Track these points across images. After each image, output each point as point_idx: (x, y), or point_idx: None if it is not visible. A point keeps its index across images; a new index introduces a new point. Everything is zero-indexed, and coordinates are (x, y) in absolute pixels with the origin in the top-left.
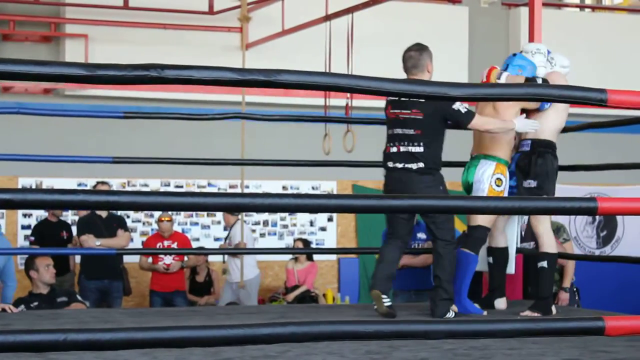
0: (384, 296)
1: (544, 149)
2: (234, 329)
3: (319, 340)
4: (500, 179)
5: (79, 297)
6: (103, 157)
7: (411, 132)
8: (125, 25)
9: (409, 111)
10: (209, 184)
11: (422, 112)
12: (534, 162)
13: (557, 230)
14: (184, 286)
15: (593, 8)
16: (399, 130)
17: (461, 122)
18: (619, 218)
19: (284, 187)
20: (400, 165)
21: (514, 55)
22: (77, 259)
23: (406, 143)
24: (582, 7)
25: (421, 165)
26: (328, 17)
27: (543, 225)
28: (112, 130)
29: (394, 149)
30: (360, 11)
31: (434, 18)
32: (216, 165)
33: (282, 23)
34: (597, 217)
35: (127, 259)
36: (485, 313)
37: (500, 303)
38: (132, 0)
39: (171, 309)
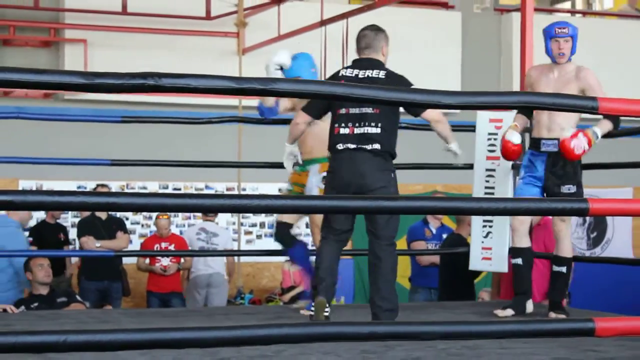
0: (327, 307)
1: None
2: (230, 330)
3: (313, 342)
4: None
5: (78, 298)
6: (102, 160)
7: (369, 110)
8: (123, 31)
9: None
10: (207, 187)
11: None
12: (569, 165)
13: None
14: (181, 287)
15: (584, 13)
16: (355, 109)
17: (414, 112)
18: (608, 220)
19: (280, 190)
20: (352, 146)
21: None
22: (73, 260)
23: (362, 124)
24: (573, 12)
25: (377, 146)
26: (323, 23)
27: (567, 229)
28: (111, 134)
29: (346, 130)
30: (354, 16)
31: (427, 23)
32: (214, 167)
33: (278, 28)
34: (587, 218)
35: (126, 260)
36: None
37: (530, 305)
38: (131, 5)
39: (170, 309)
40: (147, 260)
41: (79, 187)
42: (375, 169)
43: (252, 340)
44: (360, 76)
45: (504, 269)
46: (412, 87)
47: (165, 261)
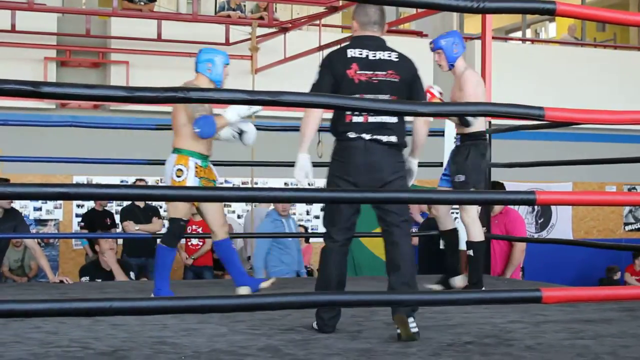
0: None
1: (471, 142)
2: (245, 299)
3: (311, 307)
4: (181, 170)
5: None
6: (141, 160)
7: (386, 97)
8: (158, 54)
9: (384, 72)
10: (226, 181)
11: (398, 73)
12: (459, 156)
13: None
14: (211, 262)
15: (532, 41)
16: (370, 96)
17: (420, 97)
18: (553, 208)
19: (286, 184)
20: (367, 136)
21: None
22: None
23: (378, 112)
24: (523, 40)
25: (393, 139)
26: (321, 48)
27: (469, 215)
28: (148, 138)
29: (359, 119)
30: (346, 43)
31: (405, 49)
32: (231, 166)
33: (284, 52)
34: (535, 207)
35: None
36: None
37: (457, 281)
38: (164, 34)
39: (196, 281)
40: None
41: (121, 181)
42: (391, 161)
43: (262, 306)
44: (370, 57)
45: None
46: (420, 80)
47: (195, 240)
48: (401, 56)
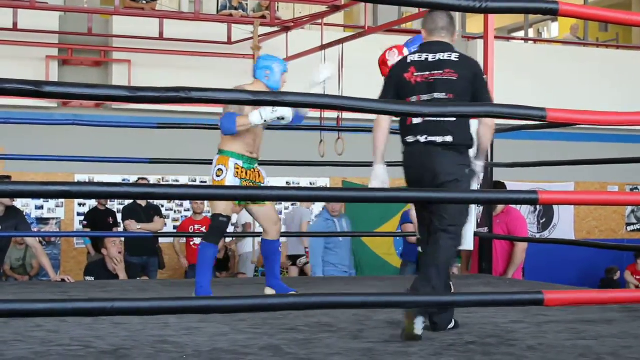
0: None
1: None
2: (245, 299)
3: (313, 309)
4: (221, 169)
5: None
6: (142, 158)
7: (442, 96)
8: (161, 53)
9: (441, 71)
10: None
11: (456, 72)
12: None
13: None
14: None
15: (535, 40)
16: (426, 96)
17: (485, 98)
18: (555, 208)
19: (287, 183)
20: (422, 139)
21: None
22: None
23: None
24: (526, 39)
25: (448, 139)
26: (323, 47)
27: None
28: (150, 136)
29: (418, 120)
30: (349, 42)
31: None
32: None
33: (286, 51)
34: (537, 207)
35: (162, 240)
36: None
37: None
38: (166, 32)
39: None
40: (183, 240)
41: (123, 180)
42: (447, 163)
43: (264, 307)
44: (430, 59)
45: (471, 247)
46: (484, 77)
47: (197, 240)
48: (463, 56)
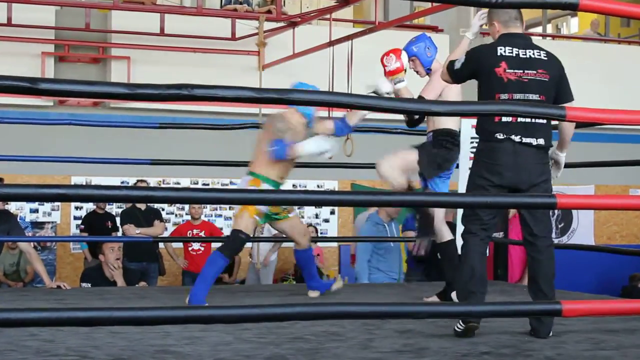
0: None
1: (442, 138)
2: (252, 309)
3: (320, 319)
4: None
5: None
6: (142, 160)
7: (535, 97)
8: (161, 49)
9: (534, 71)
10: (231, 182)
11: (548, 72)
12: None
13: None
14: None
15: (553, 37)
16: (519, 96)
17: (568, 99)
18: (574, 212)
19: (294, 186)
20: (517, 138)
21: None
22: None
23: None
24: (544, 35)
25: (541, 141)
26: (331, 43)
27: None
28: (150, 137)
29: (507, 119)
30: (358, 38)
31: None
32: (237, 166)
33: (293, 48)
34: (556, 211)
35: (162, 244)
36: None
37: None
38: (168, 28)
39: None
40: (181, 244)
41: (122, 183)
42: (539, 163)
43: (269, 317)
44: (521, 55)
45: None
46: (566, 78)
47: (196, 245)
48: (549, 54)
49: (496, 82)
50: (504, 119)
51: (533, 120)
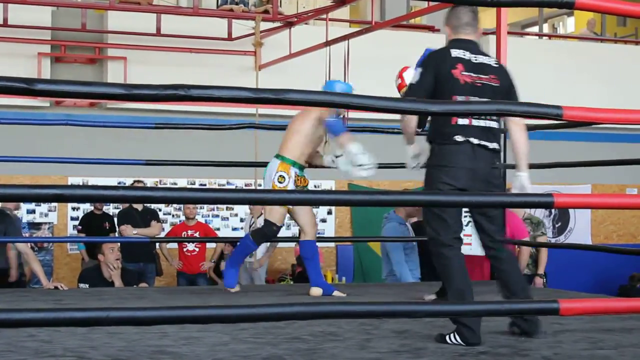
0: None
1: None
2: (249, 309)
3: (317, 319)
4: (283, 176)
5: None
6: (138, 160)
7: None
8: (158, 50)
9: (487, 76)
10: (228, 183)
11: (499, 79)
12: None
13: (537, 224)
14: (206, 269)
15: (549, 36)
16: (474, 99)
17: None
18: (571, 212)
19: None
20: (475, 141)
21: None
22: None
23: (482, 116)
24: (540, 35)
25: (495, 145)
26: (328, 43)
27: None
28: (146, 137)
29: (464, 121)
30: (355, 38)
31: (417, 44)
32: (234, 167)
33: (290, 48)
34: (552, 210)
35: (158, 245)
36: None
37: None
38: (164, 28)
39: (197, 287)
40: (175, 245)
41: (119, 183)
42: (494, 168)
43: (266, 317)
44: (473, 60)
45: (482, 252)
46: (516, 88)
47: (190, 246)
48: (499, 63)
49: (454, 83)
50: (461, 121)
51: (488, 124)
